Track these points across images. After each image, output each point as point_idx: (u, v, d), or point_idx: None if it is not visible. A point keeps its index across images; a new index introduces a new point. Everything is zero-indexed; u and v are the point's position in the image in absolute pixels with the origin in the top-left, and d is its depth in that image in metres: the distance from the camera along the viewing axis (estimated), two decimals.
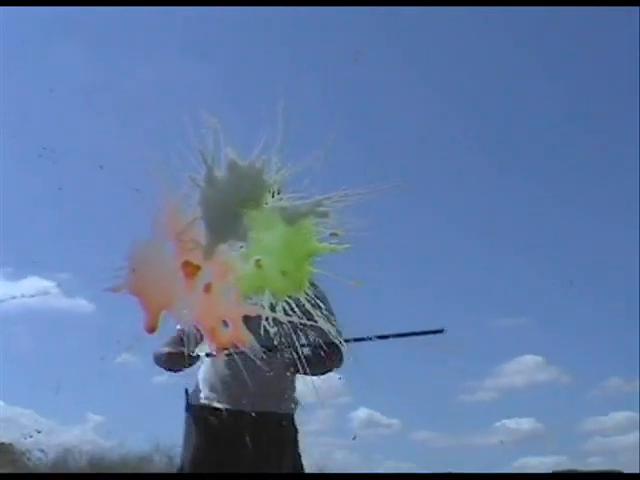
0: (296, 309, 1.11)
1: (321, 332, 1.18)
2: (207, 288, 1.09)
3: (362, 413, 18.05)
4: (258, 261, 1.09)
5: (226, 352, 1.20)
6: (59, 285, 1.24)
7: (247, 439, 2.24)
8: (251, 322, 1.12)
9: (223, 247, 1.09)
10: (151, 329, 1.10)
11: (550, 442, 17.97)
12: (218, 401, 2.42)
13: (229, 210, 1.09)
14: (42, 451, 15.85)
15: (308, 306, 1.11)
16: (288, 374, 2.22)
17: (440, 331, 2.03)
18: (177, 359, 2.36)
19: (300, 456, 2.46)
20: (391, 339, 2.02)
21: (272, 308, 1.10)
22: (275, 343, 1.18)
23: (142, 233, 1.12)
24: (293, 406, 2.46)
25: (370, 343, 1.95)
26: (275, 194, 1.10)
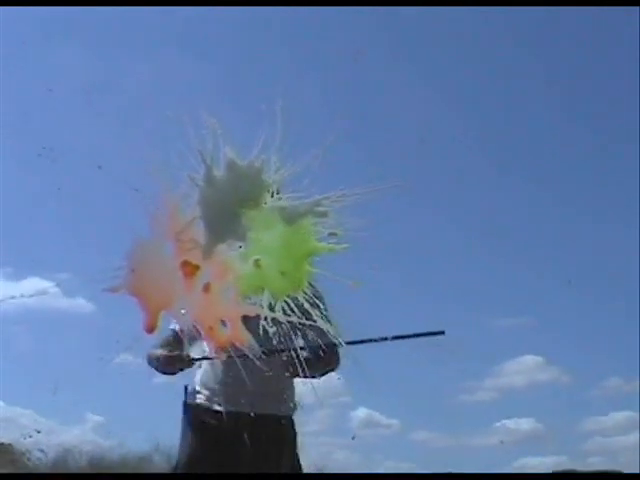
0: (295, 309, 1.11)
1: (320, 332, 1.18)
2: (206, 288, 1.09)
3: (362, 413, 18.07)
4: (257, 261, 1.09)
5: (225, 352, 1.20)
6: (58, 285, 1.24)
7: (246, 439, 2.24)
8: (250, 322, 1.12)
9: (222, 247, 1.09)
10: (150, 329, 1.10)
11: (550, 442, 17.97)
12: (217, 401, 2.41)
13: (228, 210, 1.09)
14: (42, 451, 15.85)
15: (307, 306, 1.11)
16: (287, 374, 2.22)
17: (441, 332, 2.04)
18: (172, 362, 2.34)
19: (298, 457, 2.46)
20: (394, 341, 2.03)
21: (271, 308, 1.10)
22: (274, 343, 1.18)
23: (141, 233, 1.12)
24: (292, 406, 2.46)
25: (370, 344, 1.95)
26: (274, 194, 1.10)
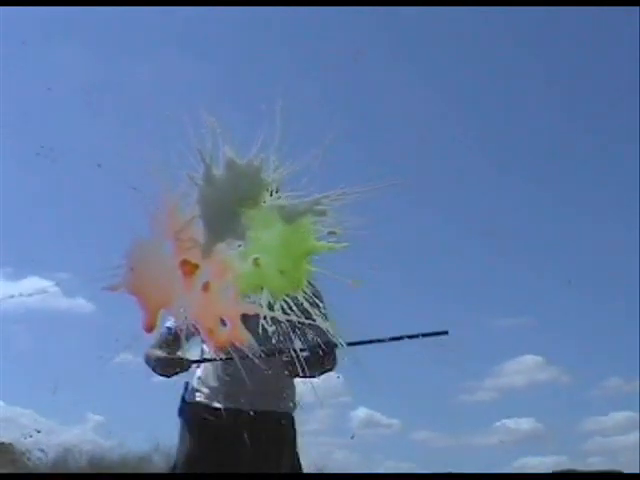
0: (294, 308, 1.11)
1: (319, 331, 1.18)
2: (205, 287, 1.09)
3: (362, 413, 18.06)
4: (256, 260, 1.09)
5: (224, 351, 1.20)
6: (58, 284, 1.24)
7: (245, 438, 2.23)
8: (249, 321, 1.12)
9: (221, 246, 1.09)
10: (149, 328, 1.10)
11: (550, 442, 17.98)
12: (216, 400, 2.41)
13: (227, 209, 1.09)
14: (42, 451, 15.85)
15: (306, 305, 1.11)
16: (286, 373, 2.21)
17: (445, 333, 2.03)
18: (172, 365, 2.33)
19: (298, 456, 2.45)
20: (398, 342, 2.02)
21: (270, 307, 1.10)
22: (274, 342, 1.18)
23: (141, 232, 1.12)
24: (292, 405, 2.45)
25: (375, 344, 1.95)
26: (273, 192, 1.10)
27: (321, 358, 2.07)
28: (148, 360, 2.36)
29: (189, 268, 1.09)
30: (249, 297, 1.11)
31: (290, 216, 1.09)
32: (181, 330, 1.13)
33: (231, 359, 1.23)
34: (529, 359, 19.93)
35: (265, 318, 1.11)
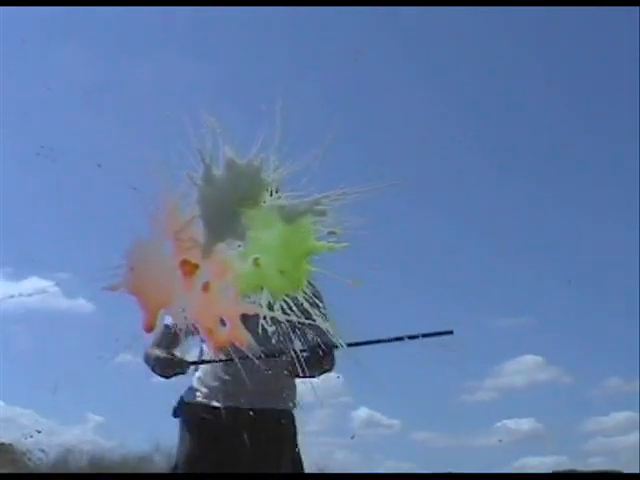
0: (294, 308, 1.11)
1: (319, 331, 1.18)
2: (205, 287, 1.09)
3: (362, 413, 18.09)
4: (256, 260, 1.09)
5: (224, 352, 1.20)
6: (58, 284, 1.24)
7: (245, 438, 2.23)
8: (249, 321, 1.12)
9: (221, 246, 1.09)
10: (149, 328, 1.10)
11: (550, 442, 18.00)
12: (215, 399, 2.40)
13: (227, 209, 1.09)
14: (42, 451, 15.86)
15: (306, 305, 1.11)
16: (286, 373, 2.21)
17: (449, 332, 2.02)
18: (172, 366, 2.32)
19: (300, 454, 2.45)
20: (401, 341, 2.01)
21: (270, 307, 1.10)
22: (273, 342, 1.18)
23: (141, 232, 1.12)
24: (292, 405, 2.45)
25: (378, 344, 1.95)
26: (273, 192, 1.10)
27: (321, 358, 2.07)
28: (147, 359, 2.35)
29: (189, 268, 1.09)
30: (249, 297, 1.11)
31: (290, 216, 1.09)
32: (180, 330, 1.13)
33: (231, 360, 1.23)
34: (529, 359, 19.97)
35: (265, 318, 1.11)
